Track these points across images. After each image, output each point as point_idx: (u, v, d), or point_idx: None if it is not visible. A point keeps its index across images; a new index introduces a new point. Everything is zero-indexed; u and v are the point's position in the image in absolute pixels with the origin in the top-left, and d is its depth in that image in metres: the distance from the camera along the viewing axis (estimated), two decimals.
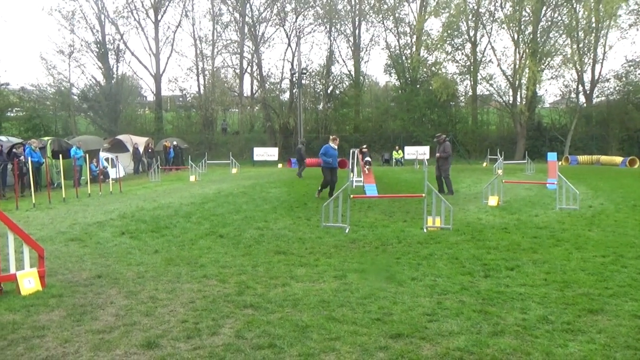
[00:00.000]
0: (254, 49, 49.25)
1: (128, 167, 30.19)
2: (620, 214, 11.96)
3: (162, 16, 48.46)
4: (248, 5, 48.44)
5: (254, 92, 52.18)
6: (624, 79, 47.98)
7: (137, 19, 48.10)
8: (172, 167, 32.44)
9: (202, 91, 50.57)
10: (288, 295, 5.91)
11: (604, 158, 37.79)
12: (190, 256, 8.01)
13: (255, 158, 39.50)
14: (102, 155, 26.74)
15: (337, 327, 4.91)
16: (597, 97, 48.33)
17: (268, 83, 50.33)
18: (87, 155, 21.50)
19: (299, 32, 49.23)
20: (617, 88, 48.26)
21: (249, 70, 51.45)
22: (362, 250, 8.41)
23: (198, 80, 50.96)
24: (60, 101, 47.50)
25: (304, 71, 45.19)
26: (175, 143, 35.50)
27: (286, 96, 51.01)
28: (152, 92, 50.94)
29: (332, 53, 50.08)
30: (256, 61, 49.68)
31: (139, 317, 5.25)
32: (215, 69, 50.48)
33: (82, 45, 47.39)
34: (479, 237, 9.33)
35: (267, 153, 40.63)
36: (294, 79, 46.18)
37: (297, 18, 49.42)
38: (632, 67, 47.65)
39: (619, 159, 36.03)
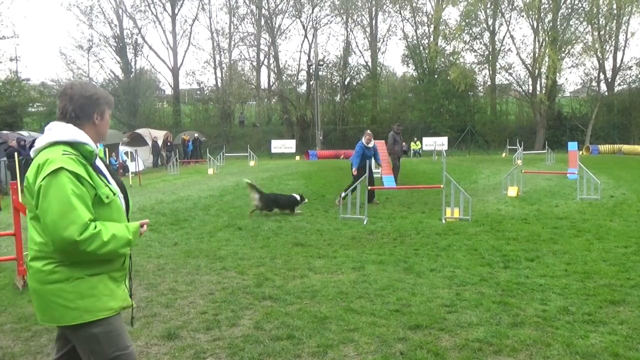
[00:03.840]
0: (270, 41, 49.27)
1: (147, 160, 30.48)
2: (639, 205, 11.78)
3: (179, 9, 48.73)
4: None
5: (271, 84, 52.27)
6: None
7: (155, 12, 48.42)
8: (190, 160, 32.67)
9: (219, 84, 50.77)
10: (306, 287, 5.93)
11: (626, 147, 37.16)
12: (209, 248, 8.07)
13: (273, 150, 39.58)
14: (122, 149, 27.03)
15: (355, 318, 4.92)
16: (619, 85, 47.52)
17: (285, 75, 50.35)
18: (106, 149, 21.74)
19: (316, 23, 49.17)
20: (639, 76, 47.39)
21: (265, 62, 51.58)
22: (380, 242, 8.40)
23: (215, 73, 51.24)
24: None
25: (321, 63, 45.10)
26: (196, 135, 35.72)
27: (303, 88, 51.02)
28: (170, 86, 51.36)
29: (348, 44, 49.91)
30: (273, 53, 49.71)
31: (159, 308, 5.31)
32: (232, 62, 50.64)
33: (100, 40, 47.90)
34: (498, 228, 9.26)
35: (284, 145, 40.70)
36: (311, 71, 46.13)
37: (313, 9, 49.34)
38: None
39: None
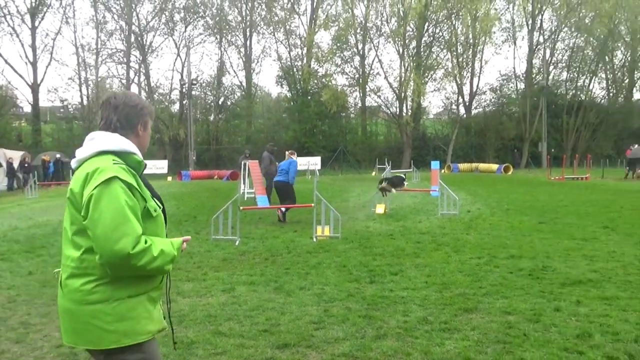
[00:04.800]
0: (141, 58, 47.80)
1: (1, 183, 28.09)
2: (495, 218, 12.85)
3: (39, 22, 45.66)
4: (134, 13, 46.97)
5: None
6: (498, 91, 51.96)
7: (12, 24, 44.95)
8: (51, 183, 30.57)
9: (85, 102, 48.17)
10: (174, 312, 5.74)
11: (482, 165, 40.38)
12: None
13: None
14: None
15: (223, 341, 4.85)
16: (476, 108, 52.03)
17: (157, 94, 49.05)
18: None
19: (189, 42, 48.50)
20: (492, 100, 52.20)
21: (136, 80, 49.88)
22: (251, 262, 8.38)
23: (81, 90, 48.52)
24: None
25: (194, 82, 44.56)
26: (58, 156, 33.50)
27: (176, 107, 50.02)
28: (29, 103, 47.69)
29: (223, 64, 49.80)
30: (144, 71, 48.34)
31: (8, 345, 4.88)
32: (99, 79, 48.39)
33: None
34: (366, 245, 9.61)
35: (155, 166, 39.39)
36: (184, 90, 45.35)
37: (186, 28, 48.75)
38: (505, 81, 51.80)
39: (495, 166, 38.68)
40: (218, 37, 49.46)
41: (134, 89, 50.41)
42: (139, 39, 47.36)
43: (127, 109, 2.49)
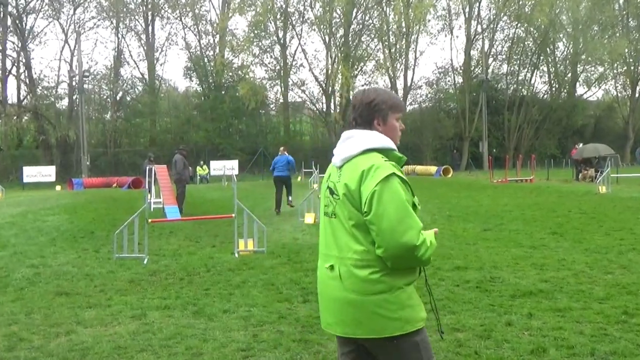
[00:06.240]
0: (20, 45, 45.87)
1: None
2: (436, 225, 13.17)
3: None
4: None
5: (22, 98, 48.51)
6: (435, 86, 53.46)
7: None
8: None
9: None
10: (74, 345, 5.57)
11: (419, 168, 41.45)
12: None
13: (26, 180, 36.67)
14: None
15: None
16: (411, 104, 53.19)
17: (40, 87, 47.20)
18: None
19: (79, 27, 47.02)
20: (429, 95, 53.65)
21: (14, 71, 47.79)
22: (164, 283, 8.23)
23: None
24: None
25: (86, 74, 43.22)
26: None
27: (64, 104, 48.31)
28: None
29: (120, 53, 48.62)
30: (24, 61, 46.42)
31: None
32: None
33: None
34: (295, 259, 9.66)
35: (41, 173, 37.96)
36: (74, 83, 43.92)
37: (75, 10, 47.28)
38: (442, 74, 53.36)
39: (433, 169, 39.83)
40: (114, 21, 48.29)
41: (12, 81, 48.41)
42: (17, 22, 45.49)
43: (362, 107, 2.81)
